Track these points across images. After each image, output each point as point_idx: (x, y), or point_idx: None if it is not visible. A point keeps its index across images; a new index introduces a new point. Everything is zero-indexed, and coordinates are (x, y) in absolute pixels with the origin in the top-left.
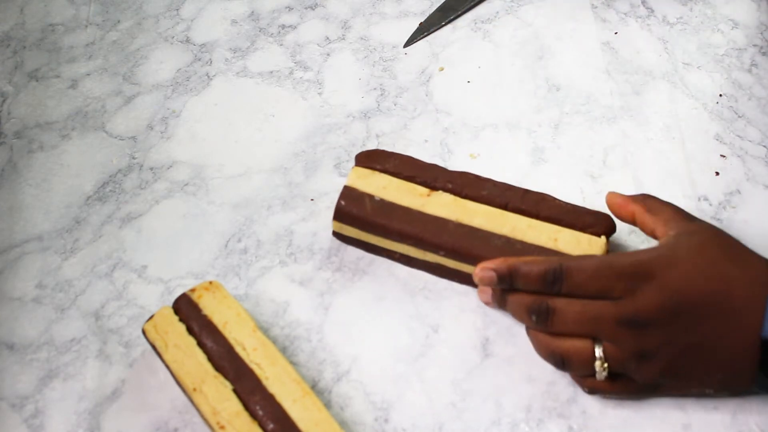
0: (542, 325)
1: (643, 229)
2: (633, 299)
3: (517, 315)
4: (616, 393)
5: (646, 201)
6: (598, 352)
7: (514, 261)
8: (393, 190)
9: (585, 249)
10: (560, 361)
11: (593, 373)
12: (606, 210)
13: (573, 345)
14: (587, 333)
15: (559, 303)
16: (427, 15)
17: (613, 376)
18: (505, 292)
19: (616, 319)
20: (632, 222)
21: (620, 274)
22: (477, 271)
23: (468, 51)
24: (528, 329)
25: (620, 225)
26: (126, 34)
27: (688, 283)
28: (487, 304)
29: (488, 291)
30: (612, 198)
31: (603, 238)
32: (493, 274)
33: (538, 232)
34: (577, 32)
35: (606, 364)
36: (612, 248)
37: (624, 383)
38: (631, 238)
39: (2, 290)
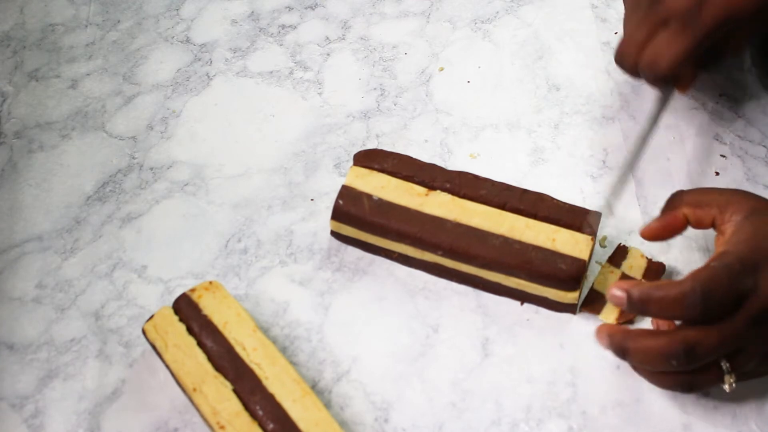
0: (683, 366)
1: (700, 227)
2: (757, 294)
3: (650, 363)
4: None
5: (684, 198)
6: (725, 366)
7: (646, 289)
8: (391, 189)
9: (582, 249)
10: (688, 388)
11: (720, 385)
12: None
13: (701, 376)
14: (725, 353)
15: (695, 336)
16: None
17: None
18: (626, 341)
19: (747, 323)
20: (685, 227)
21: (741, 273)
22: (611, 291)
23: (468, 51)
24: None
25: (618, 225)
26: (126, 34)
27: None
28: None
29: (605, 337)
30: (649, 227)
31: (589, 236)
32: (624, 298)
33: (536, 232)
34: (577, 32)
35: (733, 378)
36: (610, 248)
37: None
38: (632, 237)
39: (2, 290)
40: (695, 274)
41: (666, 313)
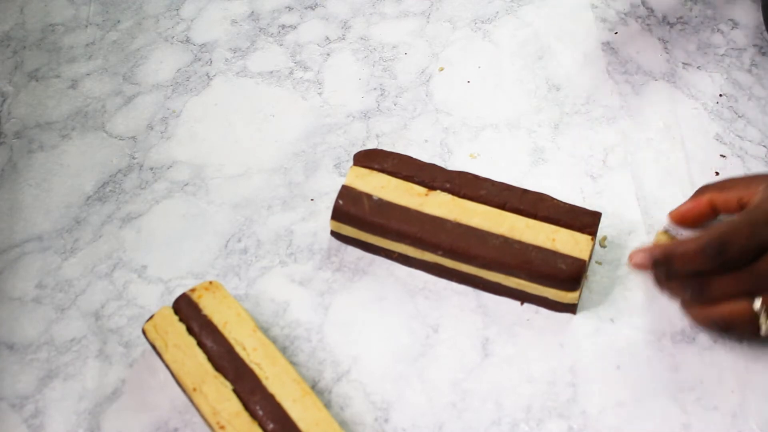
0: (698, 300)
1: (728, 210)
2: None
3: (690, 261)
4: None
5: (709, 187)
6: (758, 305)
7: (667, 247)
8: (391, 189)
9: (582, 249)
10: (723, 327)
11: (757, 330)
12: (604, 210)
13: (731, 309)
14: (746, 291)
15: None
16: (428, 15)
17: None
18: (668, 248)
19: None
20: (711, 212)
21: (764, 223)
22: (633, 256)
23: (468, 51)
24: (682, 303)
25: (618, 225)
26: (126, 34)
27: None
28: (636, 267)
29: (643, 259)
30: (678, 210)
31: (589, 236)
32: (647, 258)
33: (536, 232)
34: (577, 32)
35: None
36: (610, 248)
37: None
38: (631, 237)
39: (2, 290)
40: (716, 226)
41: (688, 266)
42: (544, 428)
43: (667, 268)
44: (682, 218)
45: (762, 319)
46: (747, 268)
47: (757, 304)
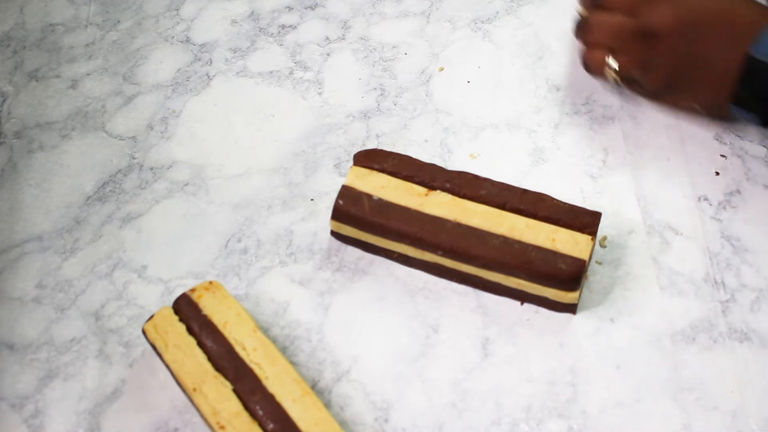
0: (580, 37)
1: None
2: (649, 13)
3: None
4: (631, 91)
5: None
6: (612, 62)
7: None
8: (391, 189)
9: (582, 249)
10: (585, 66)
11: (605, 79)
12: (604, 210)
13: (593, 53)
14: (608, 42)
15: (595, 18)
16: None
17: (628, 81)
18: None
19: (632, 30)
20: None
21: None
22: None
23: (468, 51)
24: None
25: (618, 225)
26: (126, 34)
27: (699, 1)
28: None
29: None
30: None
31: (589, 236)
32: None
33: (535, 232)
34: None
35: (615, 73)
36: (610, 248)
37: (635, 86)
38: (631, 237)
39: (2, 290)
40: None
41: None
42: (544, 428)
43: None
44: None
45: (609, 72)
46: (613, 17)
47: (612, 61)
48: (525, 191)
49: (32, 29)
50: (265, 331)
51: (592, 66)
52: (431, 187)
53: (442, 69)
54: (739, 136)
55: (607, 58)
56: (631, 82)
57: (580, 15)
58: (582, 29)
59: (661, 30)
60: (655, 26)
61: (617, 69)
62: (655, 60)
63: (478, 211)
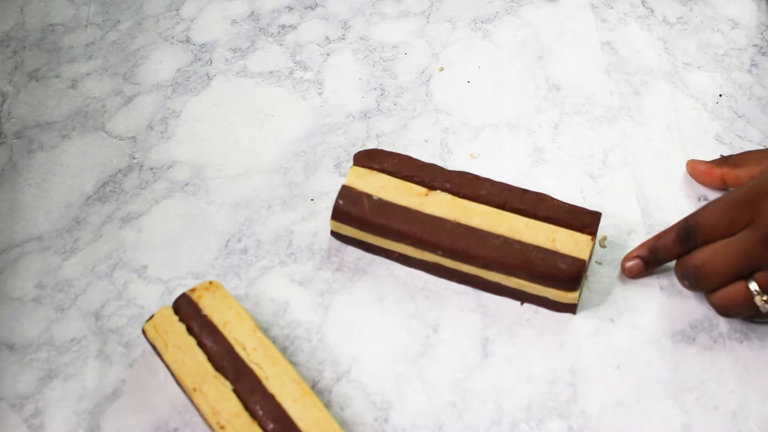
0: (697, 287)
1: (737, 185)
2: (763, 217)
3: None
4: None
5: (728, 160)
6: (753, 286)
7: (650, 243)
8: (391, 189)
9: (582, 249)
10: (724, 312)
11: (756, 311)
12: (604, 210)
13: (727, 292)
14: (739, 271)
15: (702, 257)
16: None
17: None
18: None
19: (760, 239)
20: (722, 185)
21: (741, 204)
22: (624, 265)
23: (468, 51)
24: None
25: (618, 225)
26: (126, 34)
27: None
28: (631, 275)
29: (636, 265)
30: (695, 166)
31: (589, 236)
32: (639, 262)
33: (535, 232)
34: (577, 32)
35: (765, 296)
36: (610, 248)
37: None
38: (631, 237)
39: (2, 290)
40: (695, 212)
41: (671, 254)
42: (544, 428)
43: (657, 262)
44: (694, 174)
45: (758, 299)
46: (728, 242)
47: (754, 285)
48: (525, 191)
49: (32, 29)
50: (265, 331)
51: (735, 304)
52: (431, 187)
53: (442, 69)
54: (739, 136)
55: (750, 286)
56: None
57: (685, 268)
58: (699, 278)
59: None
60: None
61: (763, 291)
62: None
63: (478, 211)
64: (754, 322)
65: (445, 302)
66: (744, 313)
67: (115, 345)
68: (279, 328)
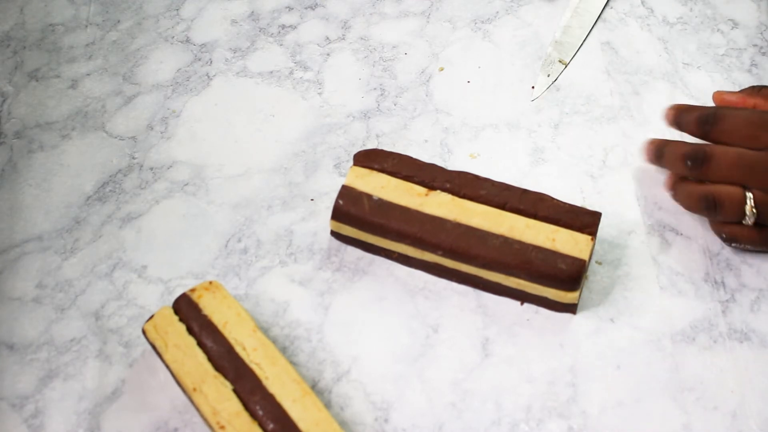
0: (697, 171)
1: None
2: None
3: (674, 165)
4: (757, 244)
5: (761, 91)
6: (749, 195)
7: (676, 114)
8: (391, 189)
9: (582, 249)
10: (712, 204)
11: (741, 218)
12: (604, 210)
13: (725, 189)
14: (740, 179)
15: (716, 150)
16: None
17: (758, 226)
18: (662, 145)
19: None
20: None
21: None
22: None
23: (468, 51)
24: (675, 184)
25: (618, 225)
26: (126, 34)
27: None
28: (649, 161)
29: (649, 150)
30: (725, 97)
31: (589, 236)
32: (672, 115)
33: (535, 232)
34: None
35: (755, 210)
36: (610, 248)
37: (766, 234)
38: (631, 237)
39: (2, 290)
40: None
41: (690, 129)
42: (544, 428)
43: (678, 125)
44: (723, 103)
45: (748, 209)
46: (744, 151)
47: (750, 195)
48: (525, 191)
49: (32, 29)
50: (265, 331)
51: (727, 202)
52: (431, 187)
53: (442, 69)
54: None
55: (746, 193)
56: (763, 227)
57: (696, 150)
58: (701, 162)
59: None
60: None
61: (754, 206)
62: None
63: (478, 211)
64: (731, 246)
65: (445, 302)
66: (730, 211)
67: (115, 345)
68: (279, 328)
